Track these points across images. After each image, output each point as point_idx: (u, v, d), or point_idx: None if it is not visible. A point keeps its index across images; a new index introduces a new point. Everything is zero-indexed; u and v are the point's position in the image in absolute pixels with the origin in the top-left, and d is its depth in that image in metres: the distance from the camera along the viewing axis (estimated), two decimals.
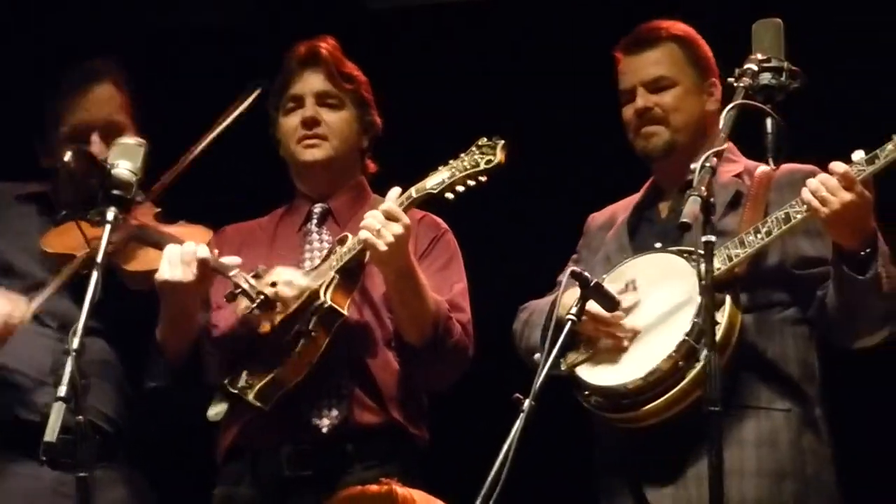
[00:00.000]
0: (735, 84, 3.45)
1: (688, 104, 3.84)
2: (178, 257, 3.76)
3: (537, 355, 3.60)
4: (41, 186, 4.07)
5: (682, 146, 3.81)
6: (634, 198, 4.09)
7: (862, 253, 3.53)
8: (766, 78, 3.41)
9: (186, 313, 3.85)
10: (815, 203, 3.45)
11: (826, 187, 3.46)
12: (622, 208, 4.07)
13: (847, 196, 3.46)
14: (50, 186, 4.05)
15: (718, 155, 3.34)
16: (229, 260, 3.77)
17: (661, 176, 3.93)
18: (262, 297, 3.72)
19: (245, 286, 3.71)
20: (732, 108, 3.42)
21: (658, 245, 3.85)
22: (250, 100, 4.16)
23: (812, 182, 3.49)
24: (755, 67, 3.41)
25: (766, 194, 3.73)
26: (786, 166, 3.71)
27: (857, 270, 3.54)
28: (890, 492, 4.57)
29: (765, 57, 3.43)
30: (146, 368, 3.97)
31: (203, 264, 3.70)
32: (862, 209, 3.53)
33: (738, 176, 3.82)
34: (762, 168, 3.73)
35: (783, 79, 3.41)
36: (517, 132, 3.88)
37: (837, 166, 3.50)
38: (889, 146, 3.50)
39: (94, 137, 3.93)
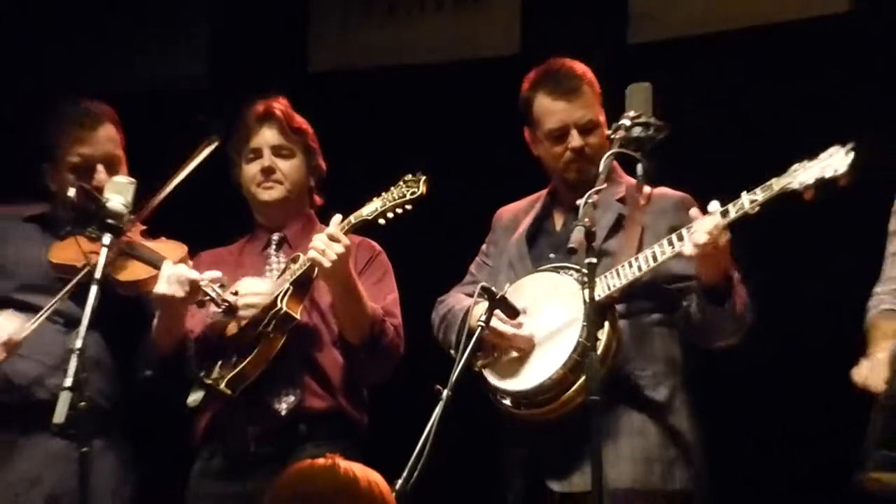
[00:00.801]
0: (611, 137, 3.82)
1: (603, 140, 4.09)
2: (174, 277, 4.14)
3: (453, 351, 3.96)
4: (43, 207, 4.46)
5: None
6: (535, 200, 4.37)
7: (722, 285, 3.86)
8: (637, 131, 3.76)
9: (176, 319, 4.24)
10: (699, 253, 3.76)
11: (711, 238, 3.73)
12: (524, 210, 4.38)
13: (723, 241, 3.76)
14: (50, 207, 4.42)
15: (598, 192, 3.69)
16: (210, 274, 4.16)
17: (567, 195, 4.21)
18: (226, 303, 4.10)
19: (213, 294, 4.10)
20: (609, 155, 3.78)
21: (552, 255, 4.18)
22: (210, 149, 4.49)
23: (701, 236, 3.75)
24: (628, 123, 3.76)
25: (642, 218, 4.06)
26: (658, 191, 4.04)
27: (717, 300, 3.87)
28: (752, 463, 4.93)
29: (636, 114, 3.77)
30: (141, 359, 4.35)
31: (193, 283, 4.08)
32: (726, 251, 3.82)
33: (622, 200, 4.15)
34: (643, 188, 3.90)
35: (651, 132, 3.76)
36: (431, 167, 4.22)
37: (707, 223, 3.76)
38: (740, 202, 3.75)
39: (100, 167, 4.29)
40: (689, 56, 5.29)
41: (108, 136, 4.42)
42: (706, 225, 3.75)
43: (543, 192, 4.35)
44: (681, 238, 3.85)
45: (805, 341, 4.92)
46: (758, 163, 3.83)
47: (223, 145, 4.51)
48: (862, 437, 3.61)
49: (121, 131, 4.44)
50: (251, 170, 4.41)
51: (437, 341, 4.32)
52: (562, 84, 4.20)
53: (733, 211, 3.76)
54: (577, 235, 3.64)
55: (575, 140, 4.14)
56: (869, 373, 3.71)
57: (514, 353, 4.06)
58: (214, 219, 4.78)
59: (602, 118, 4.19)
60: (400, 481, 3.60)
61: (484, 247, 4.43)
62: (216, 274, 4.18)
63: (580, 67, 4.24)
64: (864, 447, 3.59)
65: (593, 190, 3.72)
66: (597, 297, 3.77)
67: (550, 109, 4.19)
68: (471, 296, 4.12)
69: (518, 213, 4.38)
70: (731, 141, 5.07)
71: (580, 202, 3.71)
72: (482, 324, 3.86)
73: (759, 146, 4.79)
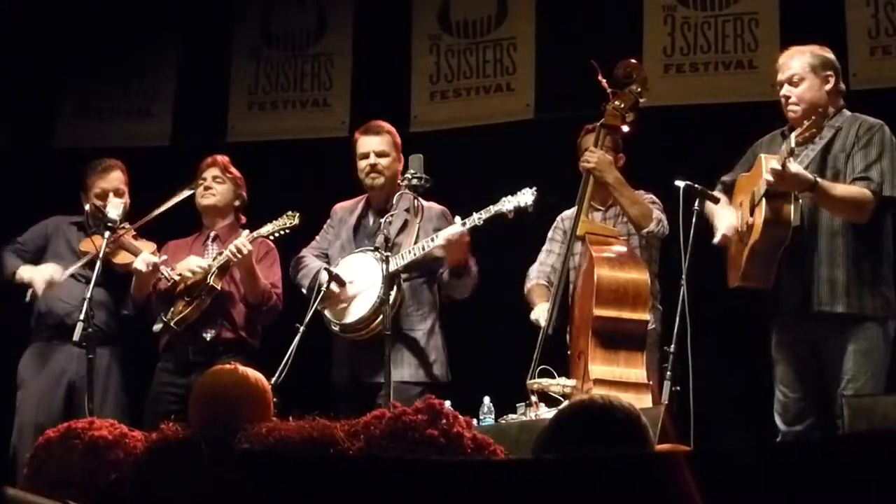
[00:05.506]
0: (401, 183, 5.67)
1: (392, 166, 5.92)
2: (145, 262, 6.00)
3: (304, 291, 5.79)
4: (80, 217, 6.31)
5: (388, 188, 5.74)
6: (358, 202, 6.04)
7: (461, 267, 5.76)
8: (413, 181, 5.56)
9: (144, 284, 6.13)
10: (445, 247, 5.62)
11: (452, 240, 5.53)
12: (350, 209, 6.07)
13: (463, 241, 5.56)
14: (83, 218, 6.30)
15: (392, 215, 5.63)
16: (154, 258, 6.02)
17: (373, 199, 5.97)
18: (171, 280, 6.07)
19: (164, 273, 6.09)
20: (400, 194, 5.71)
21: (367, 242, 5.89)
22: (184, 194, 6.31)
23: (445, 239, 5.51)
24: (410, 176, 5.57)
25: (418, 223, 5.83)
26: (428, 204, 5.83)
27: (458, 275, 5.82)
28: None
29: (415, 172, 5.56)
30: (126, 304, 6.22)
31: (155, 266, 6.06)
32: (464, 247, 5.60)
33: (408, 210, 5.81)
34: (419, 204, 5.75)
35: (422, 182, 5.58)
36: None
37: (450, 230, 5.50)
38: (473, 217, 5.56)
39: (111, 196, 6.18)
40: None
41: (118, 177, 6.35)
42: (449, 231, 5.77)
43: (363, 198, 6.17)
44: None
45: (505, 299, 6.51)
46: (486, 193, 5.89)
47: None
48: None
49: (126, 174, 6.35)
50: (200, 188, 6.29)
51: (293, 279, 6.13)
52: (369, 128, 6.12)
53: (469, 223, 5.71)
54: (380, 238, 5.68)
55: (372, 158, 6.02)
56: (539, 315, 5.87)
57: (343, 303, 5.91)
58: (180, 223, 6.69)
59: (396, 157, 6.00)
60: (273, 379, 5.10)
61: (326, 224, 6.22)
62: (162, 258, 6.11)
63: (386, 125, 6.14)
64: (533, 361, 5.52)
65: (389, 215, 5.79)
66: (391, 270, 5.63)
67: (359, 142, 6.09)
68: (317, 256, 6.03)
69: (346, 209, 6.20)
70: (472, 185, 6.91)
71: (381, 220, 5.74)
72: (325, 284, 5.83)
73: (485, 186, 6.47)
